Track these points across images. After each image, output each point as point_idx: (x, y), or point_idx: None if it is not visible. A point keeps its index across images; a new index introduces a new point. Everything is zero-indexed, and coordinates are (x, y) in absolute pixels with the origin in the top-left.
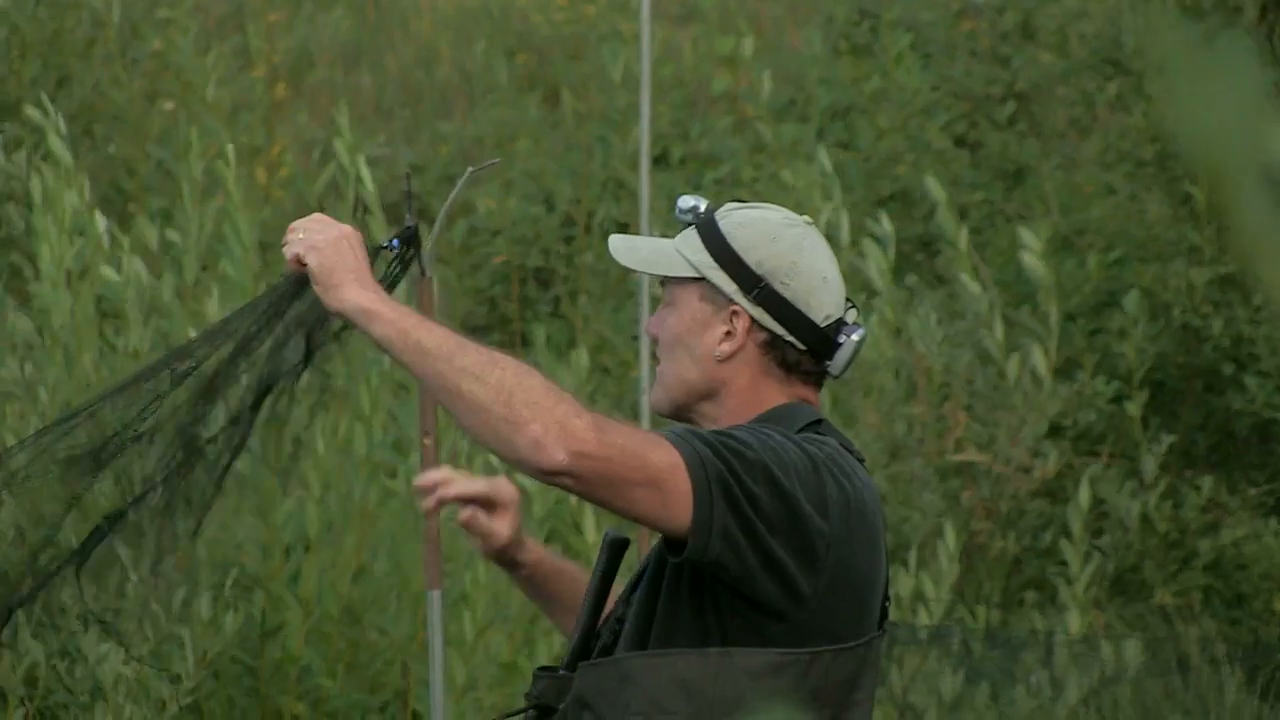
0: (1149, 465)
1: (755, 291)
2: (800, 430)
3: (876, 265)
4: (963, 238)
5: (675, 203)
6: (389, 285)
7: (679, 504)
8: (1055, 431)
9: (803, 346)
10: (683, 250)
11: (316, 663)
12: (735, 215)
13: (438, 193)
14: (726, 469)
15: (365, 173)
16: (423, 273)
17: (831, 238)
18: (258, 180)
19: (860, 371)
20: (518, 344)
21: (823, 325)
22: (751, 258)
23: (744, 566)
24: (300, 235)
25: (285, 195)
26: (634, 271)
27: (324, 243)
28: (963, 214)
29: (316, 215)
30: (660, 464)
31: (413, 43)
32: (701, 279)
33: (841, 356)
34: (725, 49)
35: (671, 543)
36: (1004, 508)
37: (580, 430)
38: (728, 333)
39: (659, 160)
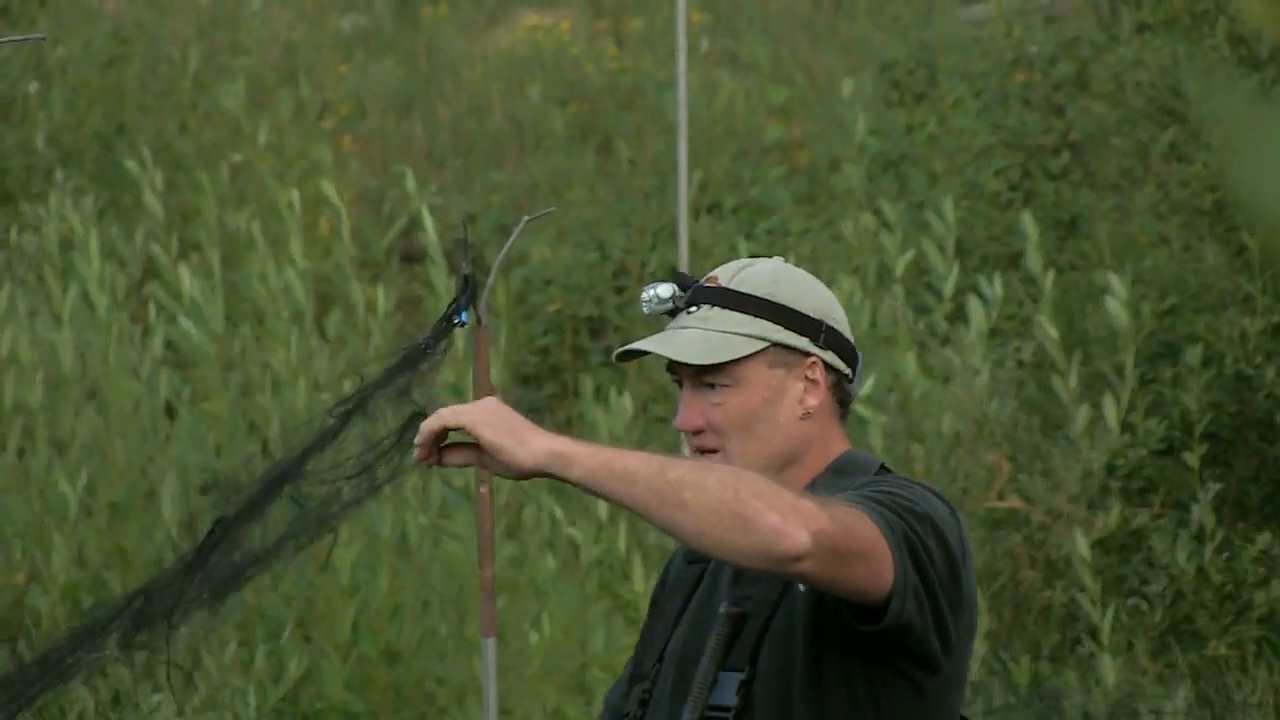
0: (1200, 515)
1: (821, 337)
2: (876, 474)
3: (977, 325)
4: (1049, 280)
5: (649, 298)
6: (441, 331)
7: (885, 571)
8: (1107, 480)
9: (852, 378)
10: (731, 329)
11: (361, 707)
12: (754, 275)
13: (491, 242)
14: (908, 528)
15: (429, 222)
16: (479, 321)
17: (935, 289)
18: (320, 231)
19: (915, 417)
20: (569, 393)
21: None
22: (805, 306)
23: (924, 624)
24: (448, 419)
25: (346, 246)
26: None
27: (483, 414)
28: (1013, 263)
29: (447, 409)
30: (867, 534)
31: (464, 92)
32: (768, 346)
33: (859, 383)
34: (778, 98)
35: (862, 611)
36: (1052, 556)
37: (812, 510)
38: (806, 389)
39: (711, 209)
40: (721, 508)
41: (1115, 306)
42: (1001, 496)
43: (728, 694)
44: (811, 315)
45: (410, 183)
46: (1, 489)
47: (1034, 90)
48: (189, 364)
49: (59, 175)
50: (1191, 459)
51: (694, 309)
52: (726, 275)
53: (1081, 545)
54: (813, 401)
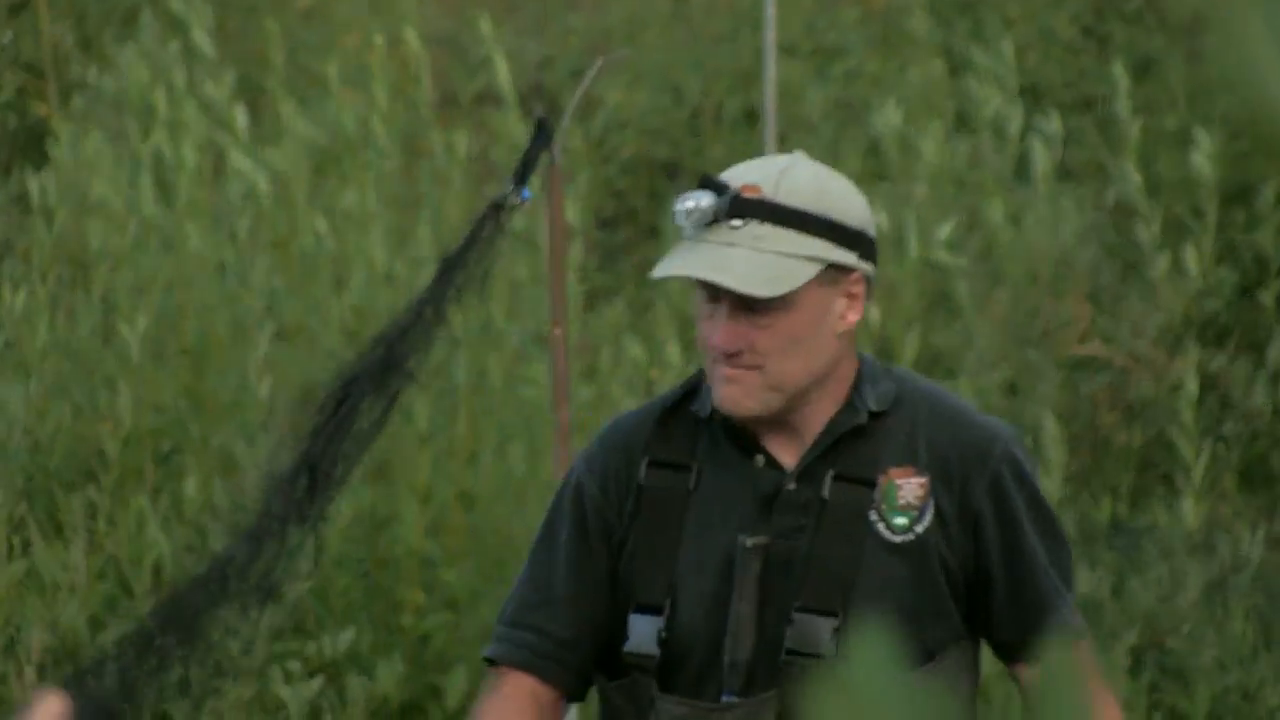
0: (1276, 354)
1: (864, 249)
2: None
3: (1042, 165)
4: (1135, 128)
5: (690, 209)
6: (521, 175)
7: None
8: (1185, 331)
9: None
10: (787, 250)
11: (438, 552)
12: (799, 185)
13: (568, 85)
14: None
15: (503, 68)
16: (552, 161)
17: (1001, 131)
18: (395, 74)
19: (998, 261)
20: (647, 236)
21: None
22: (851, 218)
23: None
24: None
25: (425, 91)
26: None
27: None
28: (1089, 106)
29: None
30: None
31: None
32: (824, 267)
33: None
34: None
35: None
36: (1131, 399)
37: None
38: (849, 305)
39: (788, 51)
40: None
41: (1199, 159)
42: (1082, 341)
43: (813, 639)
44: (857, 228)
45: (486, 26)
46: (87, 335)
47: None
48: (264, 211)
49: (144, 17)
50: (1267, 297)
51: (738, 223)
52: (769, 185)
53: (1189, 384)
54: (854, 318)
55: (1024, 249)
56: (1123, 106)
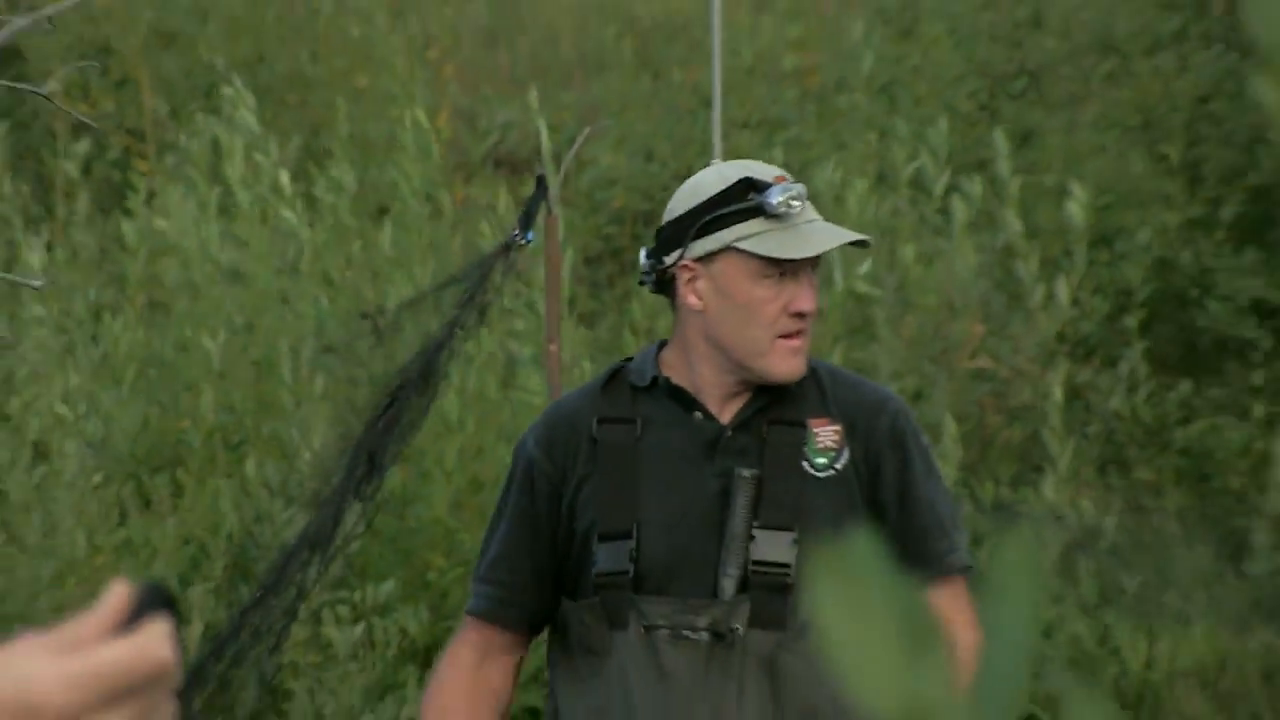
0: (1127, 368)
1: None
2: None
3: (961, 217)
4: (1015, 185)
5: (796, 194)
6: (525, 221)
7: None
8: (1058, 343)
9: None
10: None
11: (456, 524)
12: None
13: (564, 150)
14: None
15: (545, 132)
16: (549, 211)
17: (928, 189)
18: (423, 140)
19: (909, 294)
20: (625, 270)
21: None
22: None
23: None
24: None
25: (450, 151)
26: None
27: None
28: (981, 169)
29: None
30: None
31: (540, 27)
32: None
33: None
34: (793, 33)
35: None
36: (1012, 404)
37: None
38: None
39: (741, 124)
40: None
41: (1074, 207)
42: (973, 356)
43: (776, 550)
44: None
45: (496, 102)
46: (171, 353)
47: (999, 28)
48: (323, 250)
49: (225, 89)
50: (1131, 322)
51: (811, 216)
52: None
53: (1056, 393)
54: None
55: (929, 282)
56: (1004, 167)
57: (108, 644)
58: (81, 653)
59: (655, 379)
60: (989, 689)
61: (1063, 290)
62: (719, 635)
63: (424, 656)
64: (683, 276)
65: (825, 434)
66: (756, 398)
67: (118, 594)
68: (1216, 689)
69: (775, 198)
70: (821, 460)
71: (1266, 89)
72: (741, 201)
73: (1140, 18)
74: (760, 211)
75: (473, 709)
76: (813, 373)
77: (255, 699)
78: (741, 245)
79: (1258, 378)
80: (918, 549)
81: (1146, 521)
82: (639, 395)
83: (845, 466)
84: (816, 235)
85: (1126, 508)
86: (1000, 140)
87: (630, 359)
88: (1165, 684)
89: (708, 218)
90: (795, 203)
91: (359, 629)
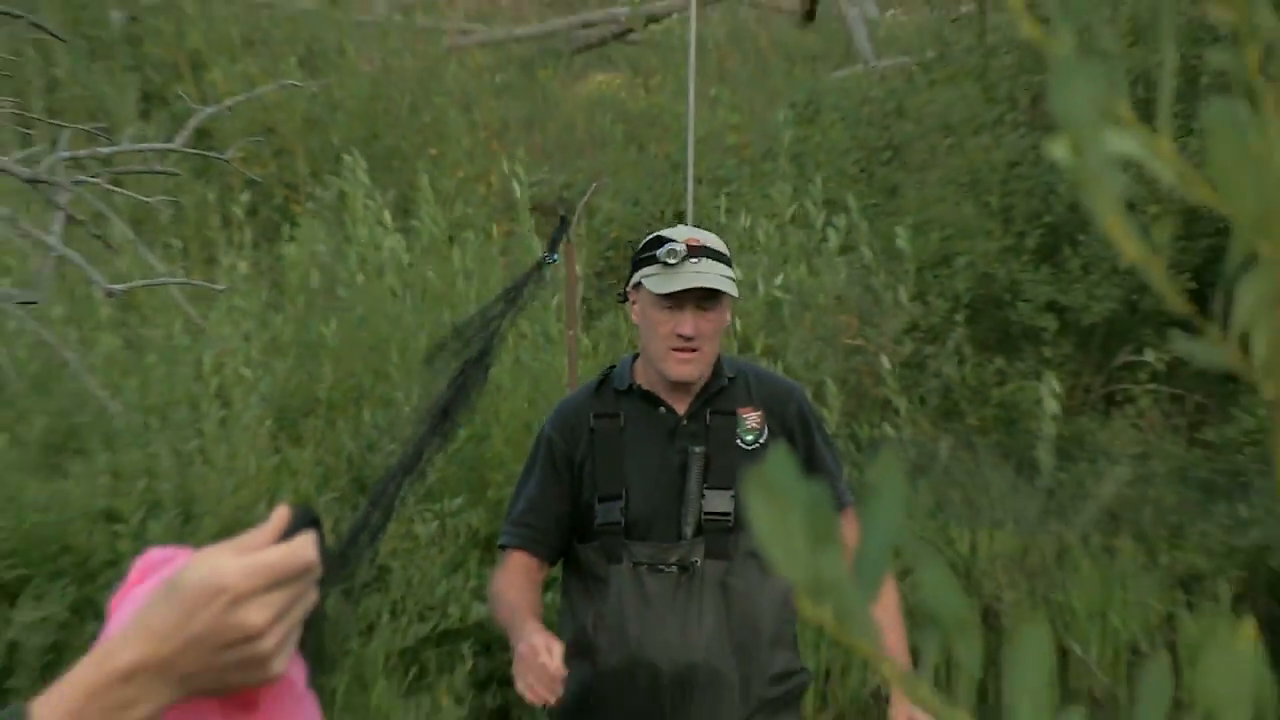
0: (953, 346)
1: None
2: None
3: (833, 243)
4: (865, 227)
5: (674, 251)
6: (552, 246)
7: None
8: (910, 332)
9: None
10: (726, 274)
11: (510, 457)
12: (717, 241)
13: (577, 199)
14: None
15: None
16: (567, 240)
17: (810, 224)
18: (480, 192)
19: (803, 297)
20: (621, 281)
21: None
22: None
23: None
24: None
25: (498, 200)
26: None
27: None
28: (864, 212)
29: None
30: None
31: (561, 116)
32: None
33: None
34: (734, 119)
35: None
36: (876, 371)
37: None
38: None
39: (699, 181)
40: None
41: (901, 241)
42: (851, 338)
43: (720, 504)
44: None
45: (530, 166)
46: (311, 336)
47: (873, 116)
48: (415, 264)
49: (346, 158)
50: (960, 316)
51: (697, 260)
52: (707, 239)
53: (888, 364)
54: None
55: (819, 289)
56: (856, 213)
57: (273, 547)
58: (254, 553)
59: (631, 385)
60: (866, 562)
61: (904, 294)
62: (684, 567)
63: (484, 544)
64: (630, 299)
65: (751, 418)
66: (700, 395)
67: (280, 514)
68: (1023, 566)
69: (661, 251)
70: (749, 437)
71: (1056, 149)
72: (650, 251)
73: (970, 109)
74: (655, 260)
75: (524, 584)
76: (741, 374)
77: (367, 575)
78: (644, 281)
79: (1048, 353)
80: None
81: (972, 452)
82: (620, 396)
83: (766, 439)
84: (685, 280)
85: (958, 443)
86: (851, 198)
87: (614, 366)
88: (986, 565)
89: (638, 259)
90: (672, 258)
91: (436, 525)
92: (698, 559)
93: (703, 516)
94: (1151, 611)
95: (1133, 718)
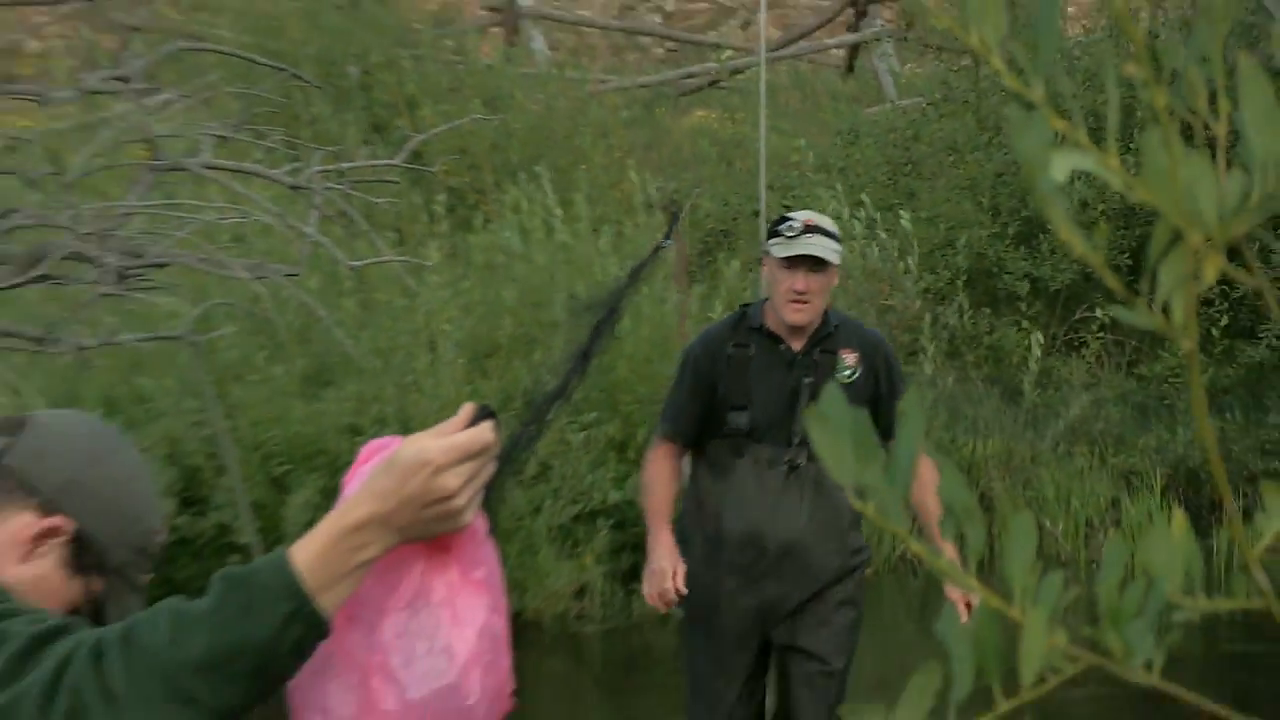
0: (957, 306)
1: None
2: None
3: (858, 230)
4: (888, 219)
5: (795, 226)
6: (668, 234)
7: None
8: (924, 294)
9: None
10: (836, 250)
11: (635, 381)
12: (827, 221)
13: (684, 200)
14: None
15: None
16: (677, 230)
17: (858, 218)
18: (614, 196)
19: (847, 270)
20: (716, 262)
21: None
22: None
23: None
24: None
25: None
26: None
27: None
28: (889, 209)
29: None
30: None
31: (672, 142)
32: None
33: None
34: (794, 143)
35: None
36: (905, 323)
37: None
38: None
39: (770, 188)
40: None
41: (906, 219)
42: (884, 299)
43: None
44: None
45: (650, 179)
46: (495, 299)
47: (897, 141)
48: (573, 244)
49: (521, 171)
50: (960, 283)
51: (811, 235)
52: (821, 221)
53: (925, 319)
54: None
55: (859, 264)
56: (905, 217)
57: (463, 431)
58: (449, 435)
59: (761, 325)
60: (896, 469)
61: (913, 266)
62: (793, 467)
63: (617, 447)
64: (763, 262)
65: (848, 358)
66: (811, 338)
67: (466, 409)
68: (1008, 465)
69: (784, 227)
70: (847, 372)
71: (1022, 159)
72: (778, 226)
73: (967, 134)
74: (779, 233)
75: (668, 476)
76: (843, 324)
77: (532, 469)
78: (771, 248)
79: (1025, 309)
80: (895, 421)
81: (971, 383)
82: (752, 332)
83: (859, 376)
84: (799, 248)
85: (959, 376)
86: (869, 201)
87: (748, 305)
88: (980, 463)
89: (770, 232)
90: (790, 232)
91: (583, 435)
92: (802, 461)
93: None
94: (1102, 498)
95: (1097, 579)
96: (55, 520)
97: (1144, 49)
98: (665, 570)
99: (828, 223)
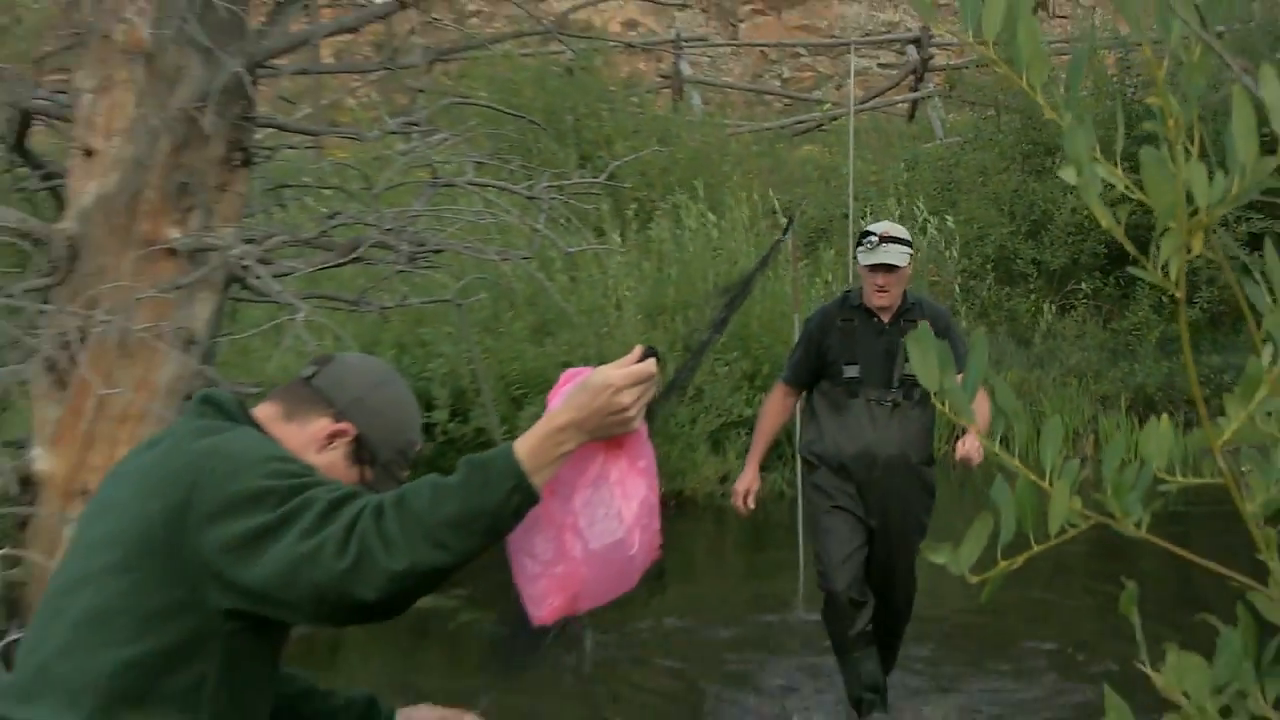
0: (986, 282)
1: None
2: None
3: (944, 240)
4: (936, 222)
5: (874, 239)
6: (784, 234)
7: None
8: (961, 274)
9: None
10: (907, 254)
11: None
12: (900, 230)
13: (795, 211)
14: None
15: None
16: (793, 232)
17: (915, 220)
18: (747, 207)
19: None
20: (819, 252)
21: None
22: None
23: None
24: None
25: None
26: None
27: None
28: (937, 214)
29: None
30: None
31: (787, 169)
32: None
33: None
34: (872, 168)
35: None
36: (949, 293)
37: None
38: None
39: (856, 199)
40: None
41: (950, 226)
42: (934, 276)
43: (909, 370)
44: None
45: (768, 197)
46: (661, 274)
47: (943, 166)
48: (719, 241)
49: (692, 185)
50: (989, 267)
51: (887, 246)
52: (895, 231)
53: (956, 290)
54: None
55: (922, 256)
56: (923, 214)
57: (634, 365)
58: (624, 367)
59: (860, 304)
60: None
61: (956, 255)
62: (895, 404)
63: (749, 378)
64: (857, 259)
65: (923, 326)
66: (896, 313)
67: (637, 349)
68: (1020, 392)
69: (865, 239)
70: None
71: (1067, 174)
72: (862, 240)
73: (993, 163)
74: (863, 244)
75: (779, 409)
76: (919, 302)
77: (691, 390)
78: (859, 255)
79: (1032, 284)
80: (960, 366)
81: (995, 336)
82: (854, 309)
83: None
84: (877, 257)
85: (987, 332)
86: (923, 208)
87: (849, 290)
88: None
89: (859, 241)
90: (871, 240)
91: (725, 369)
92: (898, 400)
93: (901, 377)
94: (1085, 414)
95: (1102, 460)
96: (344, 425)
97: (1163, 89)
98: (739, 490)
99: (901, 231)
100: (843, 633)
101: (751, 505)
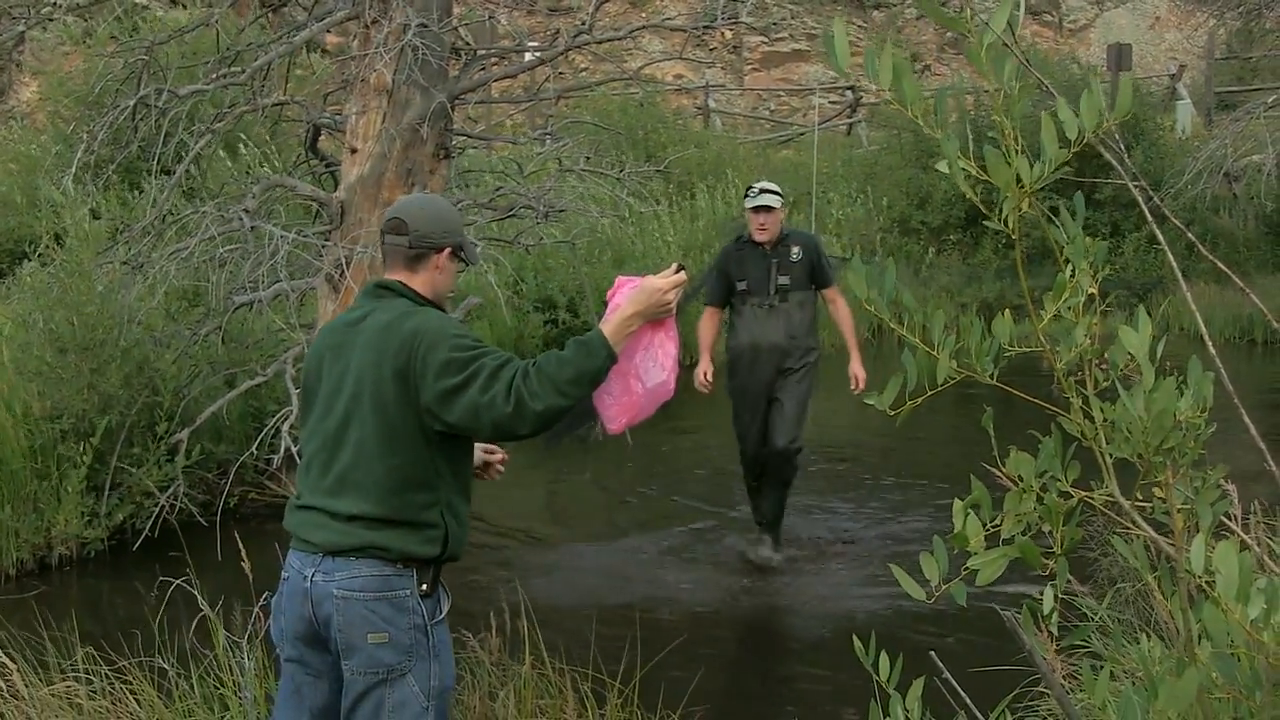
0: (893, 234)
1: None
2: None
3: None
4: (867, 197)
5: (756, 186)
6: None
7: None
8: (879, 231)
9: None
10: (778, 198)
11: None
12: (770, 186)
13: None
14: None
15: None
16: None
17: (848, 198)
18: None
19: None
20: (791, 217)
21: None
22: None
23: None
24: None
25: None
26: (768, 203)
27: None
28: (860, 192)
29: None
30: None
31: (772, 166)
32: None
33: None
34: (825, 165)
35: None
36: (868, 242)
37: None
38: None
39: (817, 184)
40: None
41: (870, 202)
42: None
43: (783, 281)
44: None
45: (760, 181)
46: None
47: (866, 164)
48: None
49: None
50: (894, 226)
51: (764, 195)
52: (769, 185)
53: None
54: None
55: (850, 220)
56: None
57: (673, 275)
58: (665, 277)
59: (749, 239)
60: (886, 294)
61: (878, 217)
62: (772, 306)
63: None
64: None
65: (795, 249)
66: (774, 243)
67: (674, 265)
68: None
69: (750, 192)
70: (795, 254)
71: (943, 167)
72: (747, 192)
73: (900, 161)
74: (748, 195)
75: (712, 324)
76: (793, 232)
77: (694, 297)
78: (746, 202)
79: (920, 236)
80: (824, 280)
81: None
82: (745, 243)
83: (801, 257)
84: (759, 202)
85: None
86: (854, 188)
87: (743, 233)
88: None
89: (744, 194)
90: (753, 192)
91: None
92: (775, 302)
93: (777, 285)
94: (951, 314)
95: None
96: (445, 250)
97: (1000, 112)
98: (699, 375)
99: (774, 186)
100: (753, 478)
101: (710, 381)
